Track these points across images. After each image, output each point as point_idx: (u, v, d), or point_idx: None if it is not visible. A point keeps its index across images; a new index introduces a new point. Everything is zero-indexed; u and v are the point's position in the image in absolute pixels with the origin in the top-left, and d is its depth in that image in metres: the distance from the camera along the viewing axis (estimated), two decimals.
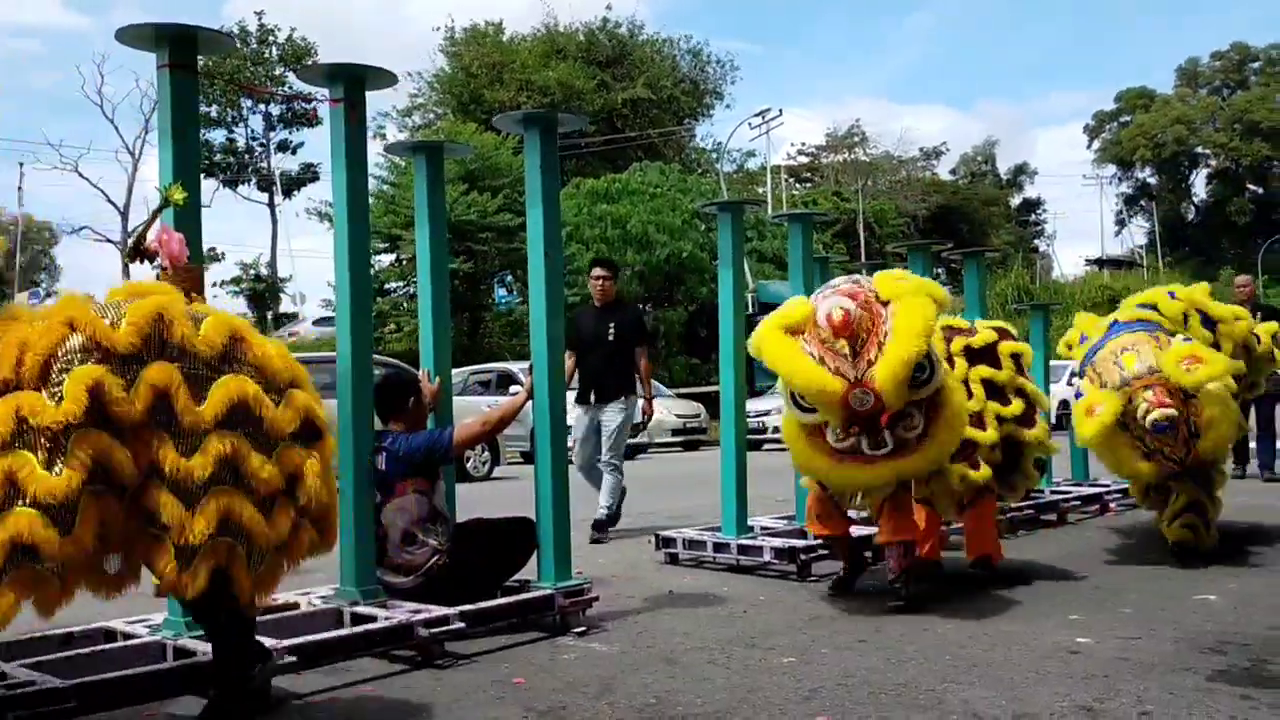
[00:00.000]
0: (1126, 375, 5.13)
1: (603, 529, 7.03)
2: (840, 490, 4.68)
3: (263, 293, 41.87)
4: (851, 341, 4.15)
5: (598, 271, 7.39)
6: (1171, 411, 4.94)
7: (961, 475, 4.81)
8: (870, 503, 4.76)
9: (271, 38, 43.68)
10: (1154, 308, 5.66)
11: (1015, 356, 5.15)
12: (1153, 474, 5.32)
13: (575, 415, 7.00)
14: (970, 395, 4.92)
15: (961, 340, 5.06)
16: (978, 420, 4.91)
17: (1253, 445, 9.66)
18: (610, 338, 7.10)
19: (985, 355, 5.09)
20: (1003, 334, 5.21)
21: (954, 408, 4.42)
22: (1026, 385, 5.11)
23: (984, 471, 4.89)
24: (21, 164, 41.91)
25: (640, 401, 7.28)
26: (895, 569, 4.64)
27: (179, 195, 3.61)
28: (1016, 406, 5.03)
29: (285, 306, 41.68)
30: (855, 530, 5.16)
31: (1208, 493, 5.55)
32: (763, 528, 6.04)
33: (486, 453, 13.58)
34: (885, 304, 4.22)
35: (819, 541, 5.13)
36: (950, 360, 4.94)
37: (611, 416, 7.09)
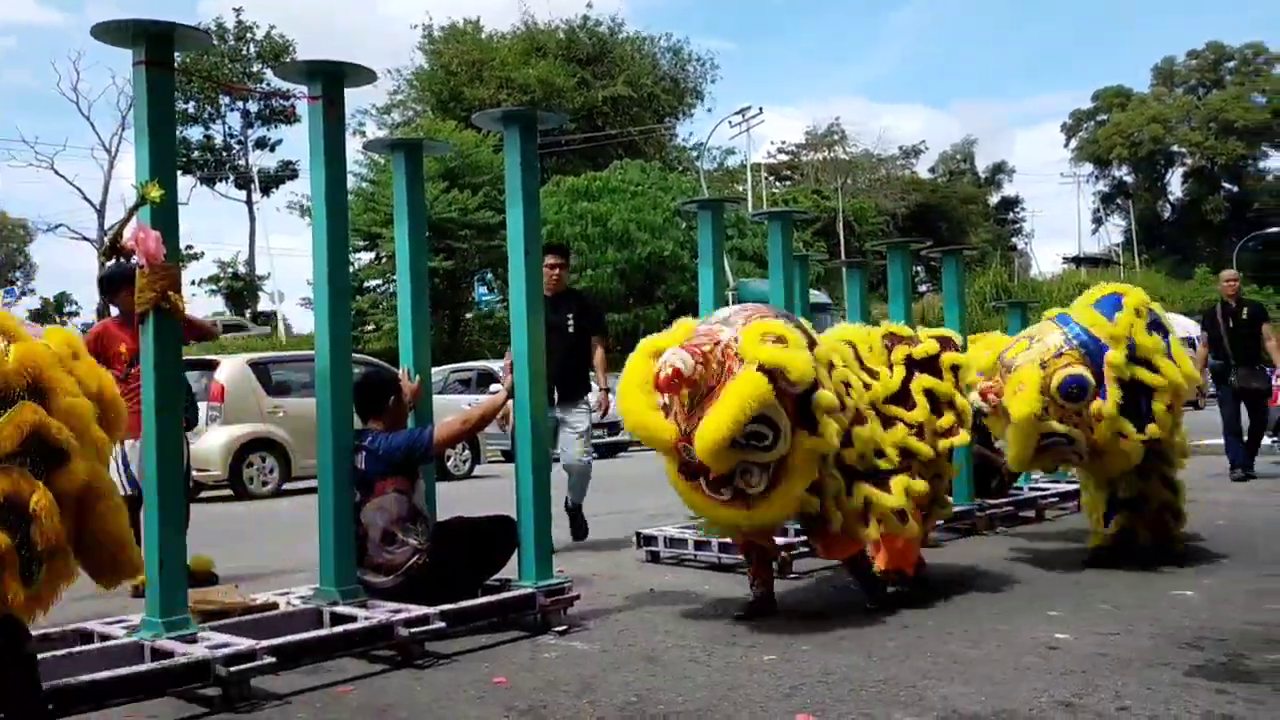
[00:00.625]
0: (1006, 356, 5.33)
1: (578, 514, 6.76)
2: (700, 517, 4.57)
3: (241, 290, 41.69)
4: (693, 392, 4.01)
5: (550, 259, 6.59)
6: (983, 405, 5.28)
7: (907, 487, 4.58)
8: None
9: (249, 35, 43.49)
10: (1118, 302, 5.48)
11: (955, 369, 4.99)
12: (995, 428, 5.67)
13: None
14: (913, 405, 4.76)
15: (904, 349, 4.90)
16: (919, 433, 4.73)
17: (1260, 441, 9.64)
18: (570, 330, 6.62)
19: (927, 365, 4.91)
20: (945, 344, 5.05)
21: (801, 470, 4.16)
22: (958, 398, 4.97)
23: (919, 484, 4.66)
24: None
25: (595, 396, 6.83)
26: (855, 578, 4.65)
27: (156, 193, 3.59)
28: (947, 419, 4.87)
29: (264, 304, 41.50)
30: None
31: (1170, 489, 5.51)
32: None
33: (467, 451, 13.56)
34: (742, 359, 4.03)
35: (744, 552, 4.86)
36: (889, 368, 4.81)
37: (578, 420, 6.65)
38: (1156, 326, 5.43)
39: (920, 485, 4.65)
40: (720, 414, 3.90)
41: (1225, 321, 9.37)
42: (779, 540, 5.22)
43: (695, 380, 3.99)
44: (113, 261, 4.02)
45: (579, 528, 6.81)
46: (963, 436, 4.94)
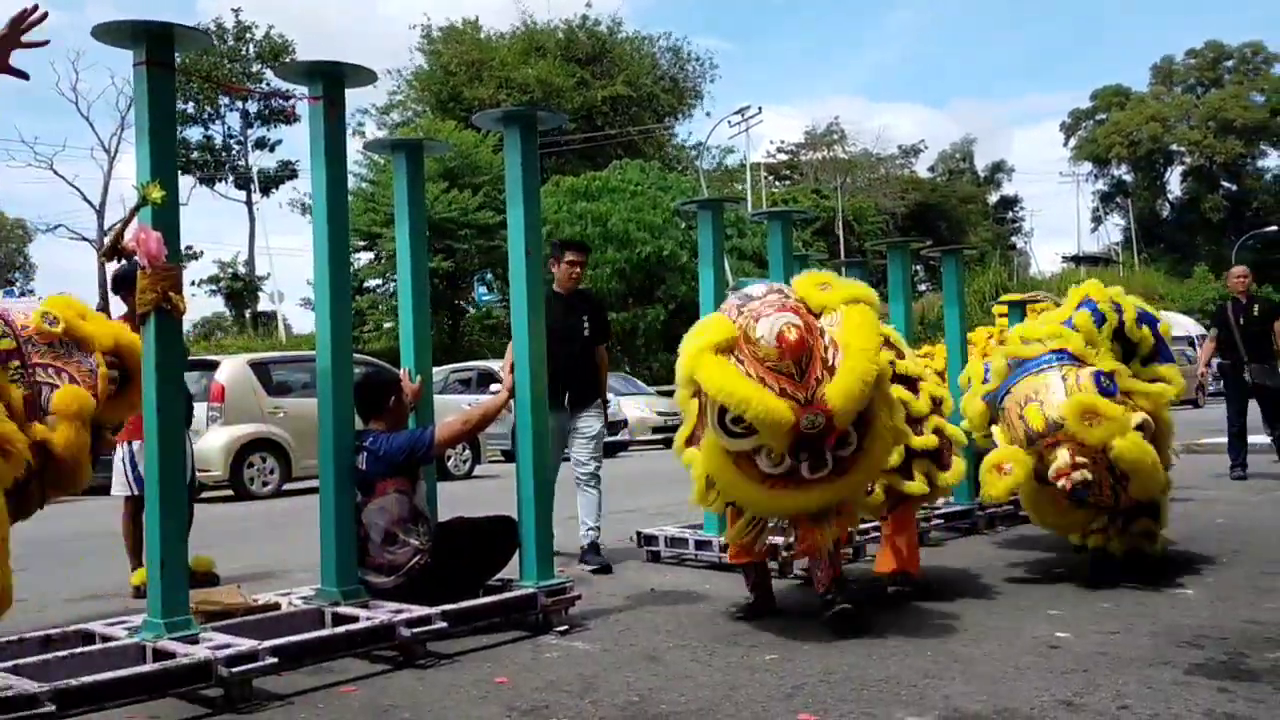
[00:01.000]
0: (1033, 432, 4.77)
1: (597, 552, 6.08)
2: (772, 516, 4.39)
3: (240, 291, 41.63)
4: (796, 359, 3.85)
5: (572, 256, 6.33)
6: (1085, 475, 4.61)
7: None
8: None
9: (248, 35, 43.47)
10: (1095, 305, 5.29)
11: (936, 401, 4.94)
12: (1087, 520, 5.02)
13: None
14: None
15: (888, 355, 4.72)
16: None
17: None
18: (585, 333, 6.27)
19: (904, 380, 4.87)
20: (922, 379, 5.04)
21: (884, 420, 4.16)
22: (947, 428, 4.91)
23: (877, 495, 4.65)
24: None
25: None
26: (824, 580, 4.34)
27: (157, 194, 3.60)
28: (930, 440, 4.82)
29: (263, 305, 41.46)
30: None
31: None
32: None
33: (467, 451, 13.56)
34: (816, 315, 4.01)
35: (740, 566, 4.81)
36: None
37: (589, 425, 6.25)
38: (1145, 319, 5.37)
39: (875, 497, 4.61)
40: (857, 353, 3.84)
41: (1236, 318, 9.22)
42: (778, 540, 5.23)
43: (807, 341, 3.88)
44: (113, 262, 4.02)
45: (600, 564, 6.00)
46: (958, 467, 4.92)
